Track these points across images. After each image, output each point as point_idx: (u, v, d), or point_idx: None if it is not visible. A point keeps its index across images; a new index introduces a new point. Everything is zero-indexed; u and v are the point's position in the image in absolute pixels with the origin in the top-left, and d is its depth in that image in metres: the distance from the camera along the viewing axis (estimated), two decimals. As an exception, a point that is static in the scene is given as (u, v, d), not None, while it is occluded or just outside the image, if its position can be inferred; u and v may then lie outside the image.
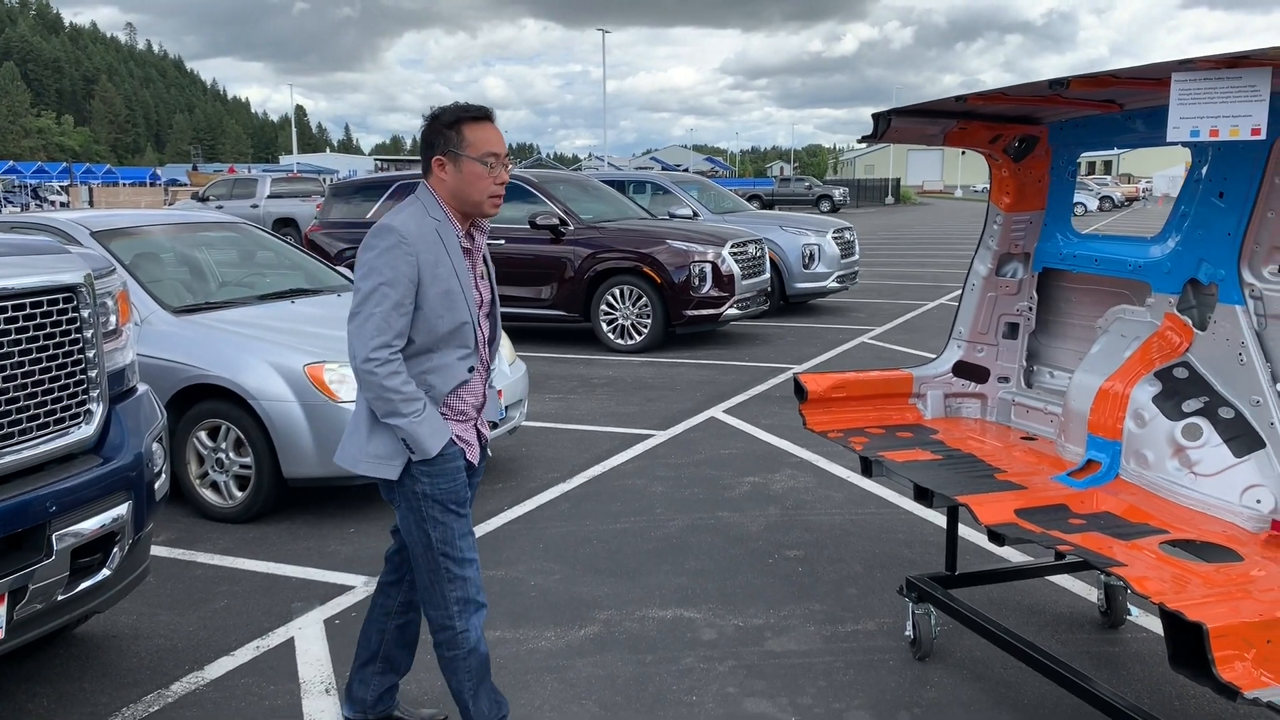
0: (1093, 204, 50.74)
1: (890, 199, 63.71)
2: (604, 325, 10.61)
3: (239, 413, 5.23)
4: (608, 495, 5.77)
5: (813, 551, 4.91)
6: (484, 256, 3.06)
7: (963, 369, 4.44)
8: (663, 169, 46.14)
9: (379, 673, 3.25)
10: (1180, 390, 3.49)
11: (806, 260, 12.94)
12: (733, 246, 10.81)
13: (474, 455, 3.00)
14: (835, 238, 13.36)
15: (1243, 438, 3.32)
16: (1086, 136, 3.92)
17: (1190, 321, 3.53)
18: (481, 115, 2.84)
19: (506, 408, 5.92)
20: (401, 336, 2.77)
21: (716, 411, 7.81)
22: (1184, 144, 2.91)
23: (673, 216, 13.07)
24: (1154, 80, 3.01)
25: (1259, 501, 3.22)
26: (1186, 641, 2.50)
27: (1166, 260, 3.61)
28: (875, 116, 3.85)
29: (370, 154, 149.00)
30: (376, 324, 2.73)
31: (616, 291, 10.53)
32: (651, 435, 7.07)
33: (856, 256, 14.10)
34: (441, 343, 2.85)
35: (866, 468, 3.94)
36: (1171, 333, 3.59)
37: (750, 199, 43.38)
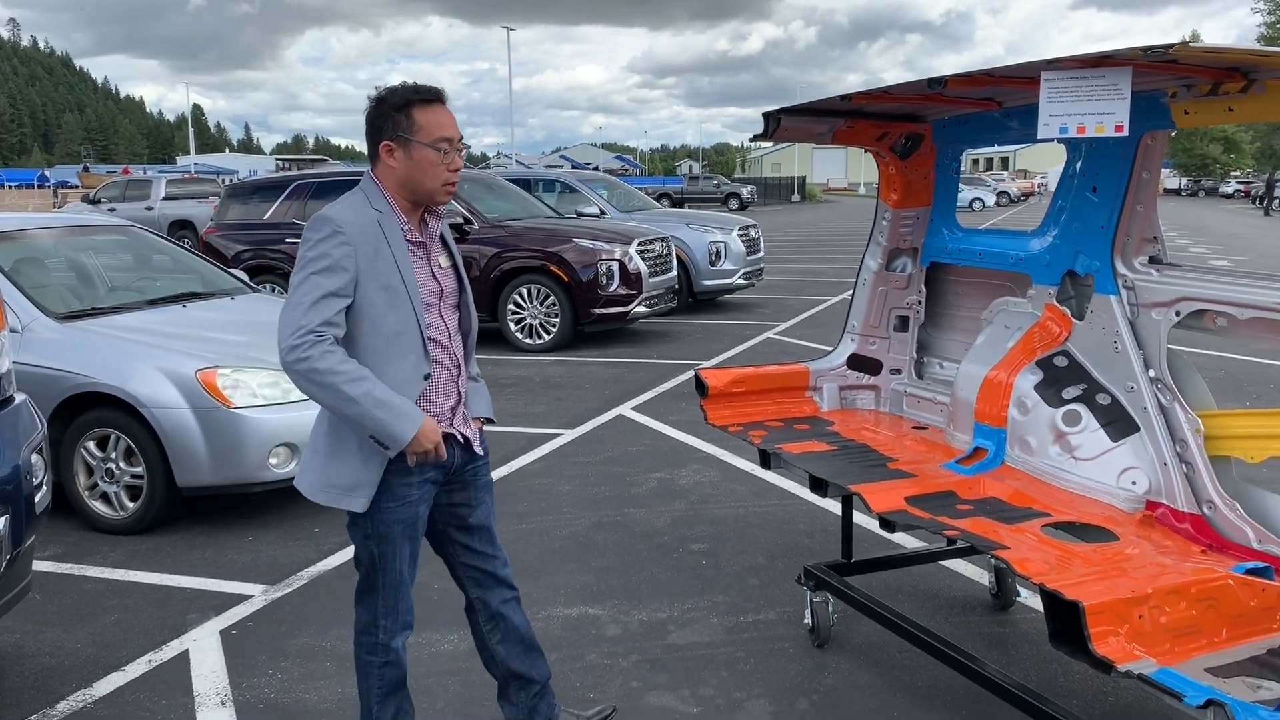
0: (990, 199, 52.18)
1: (796, 196, 64.62)
2: (511, 325, 10.56)
3: (129, 421, 5.07)
4: (514, 496, 5.74)
5: (716, 544, 4.97)
6: (448, 242, 2.87)
7: (856, 362, 4.54)
8: (573, 167, 46.07)
9: (519, 689, 3.08)
10: (1060, 378, 3.63)
11: (713, 257, 13.06)
12: (639, 244, 10.86)
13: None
14: (741, 235, 13.51)
15: (1119, 423, 3.47)
16: (968, 134, 4.05)
17: (1069, 312, 3.68)
18: (433, 97, 2.67)
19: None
20: (334, 326, 2.56)
21: (625, 409, 7.84)
22: (1054, 140, 3.03)
23: (580, 215, 13.07)
24: (1027, 79, 3.12)
25: (1134, 483, 3.37)
26: (1065, 619, 2.60)
27: (1045, 253, 3.75)
28: (765, 115, 3.92)
29: (272, 153, 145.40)
30: (301, 312, 2.53)
31: (524, 290, 10.49)
32: (559, 434, 7.06)
33: (762, 253, 14.28)
34: (390, 344, 2.66)
35: (765, 460, 4.00)
36: (1051, 323, 3.72)
37: (660, 197, 43.59)
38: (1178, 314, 3.32)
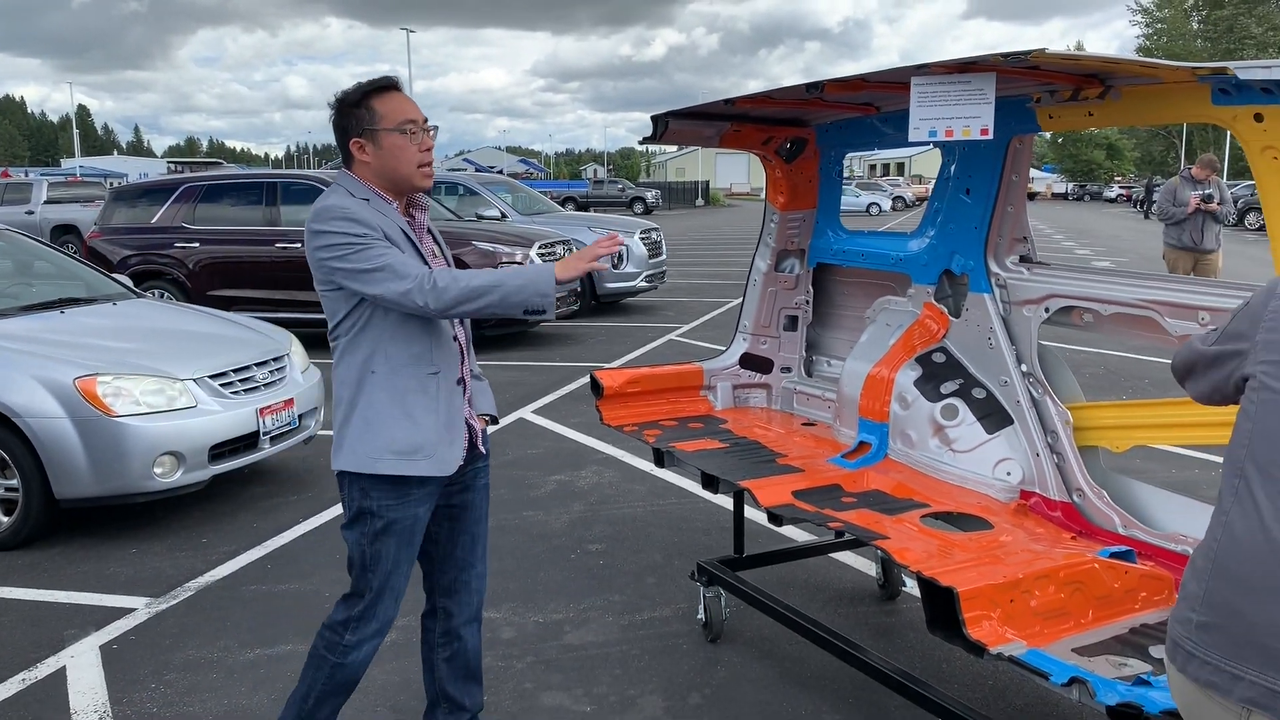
0: (886, 204, 53.34)
1: (700, 201, 65.17)
2: (411, 329, 10.41)
3: (2, 432, 4.86)
4: (410, 500, 5.67)
5: (614, 544, 5.00)
6: (434, 235, 2.87)
7: (749, 361, 4.62)
8: (476, 170, 45.72)
9: (447, 713, 3.01)
10: (938, 374, 3.75)
11: (615, 260, 13.10)
12: (540, 247, 10.84)
13: (454, 460, 2.74)
14: (643, 238, 13.59)
15: (994, 415, 3.61)
16: (850, 138, 4.16)
17: (946, 310, 3.80)
18: (387, 86, 2.68)
19: (300, 416, 5.74)
20: (425, 267, 2.59)
21: (525, 412, 7.82)
22: (925, 144, 3.13)
23: (480, 218, 13.00)
24: (900, 84, 3.22)
25: (1009, 474, 3.50)
26: (941, 605, 2.69)
27: (924, 254, 3.87)
28: (654, 119, 3.97)
29: (163, 156, 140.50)
30: (392, 269, 2.52)
31: (423, 295, 10.35)
32: (458, 438, 6.99)
33: (664, 256, 14.39)
34: (403, 322, 2.64)
35: (659, 459, 4.04)
36: (930, 321, 3.85)
37: (565, 201, 43.51)
38: (1047, 310, 3.47)
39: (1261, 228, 30.95)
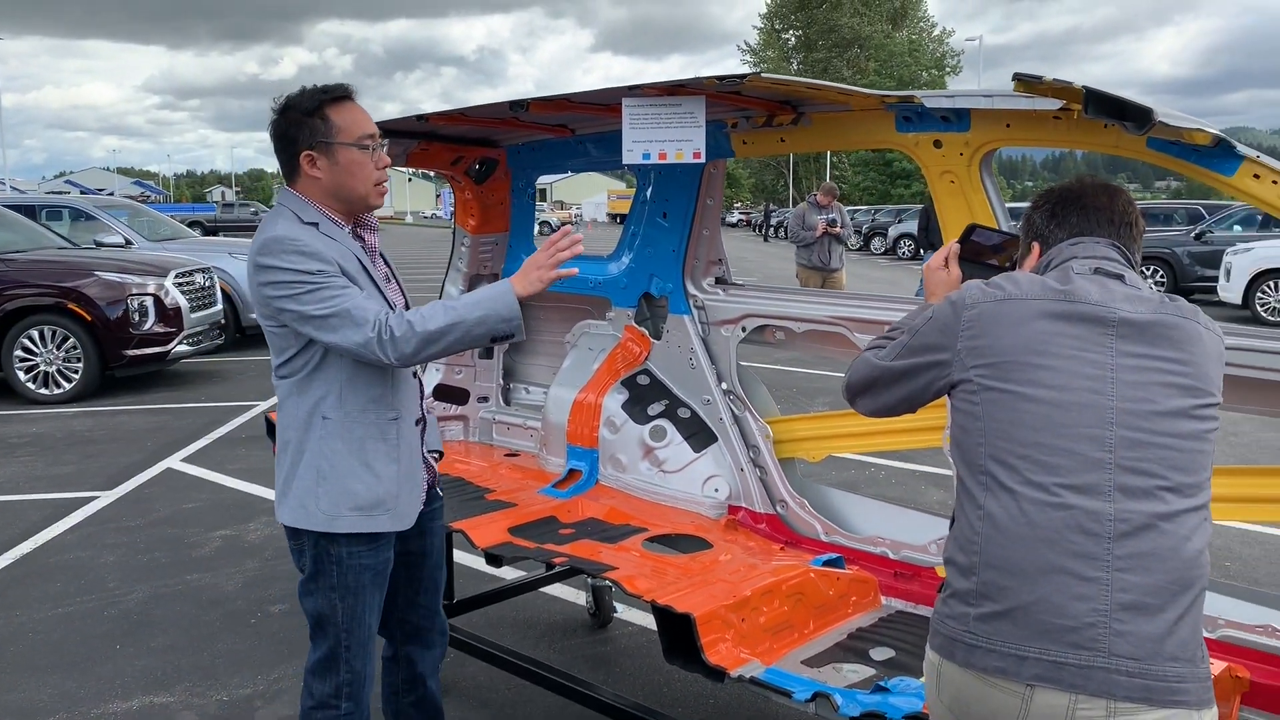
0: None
1: (342, 225, 62.85)
2: (21, 374, 9.07)
3: None
4: (44, 575, 4.87)
5: (299, 603, 4.55)
6: (384, 258, 2.67)
7: (443, 392, 4.39)
8: (82, 194, 41.10)
9: None
10: (644, 396, 3.75)
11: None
12: (177, 276, 9.86)
13: (413, 513, 2.56)
14: (291, 265, 12.79)
15: (699, 434, 3.66)
16: (542, 160, 4.08)
17: (647, 332, 3.81)
18: (344, 95, 2.44)
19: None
20: (382, 305, 2.37)
21: (173, 461, 7.02)
22: (637, 166, 3.11)
23: (100, 245, 11.62)
24: (606, 106, 3.18)
25: (717, 490, 3.56)
26: (676, 632, 2.64)
27: (622, 277, 3.86)
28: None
29: None
30: (348, 316, 2.28)
31: (35, 334, 9.06)
32: (96, 497, 6.14)
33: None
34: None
35: (353, 505, 3.71)
36: (632, 343, 3.84)
37: (191, 225, 40.22)
38: (744, 330, 3.57)
39: (861, 248, 34.94)
